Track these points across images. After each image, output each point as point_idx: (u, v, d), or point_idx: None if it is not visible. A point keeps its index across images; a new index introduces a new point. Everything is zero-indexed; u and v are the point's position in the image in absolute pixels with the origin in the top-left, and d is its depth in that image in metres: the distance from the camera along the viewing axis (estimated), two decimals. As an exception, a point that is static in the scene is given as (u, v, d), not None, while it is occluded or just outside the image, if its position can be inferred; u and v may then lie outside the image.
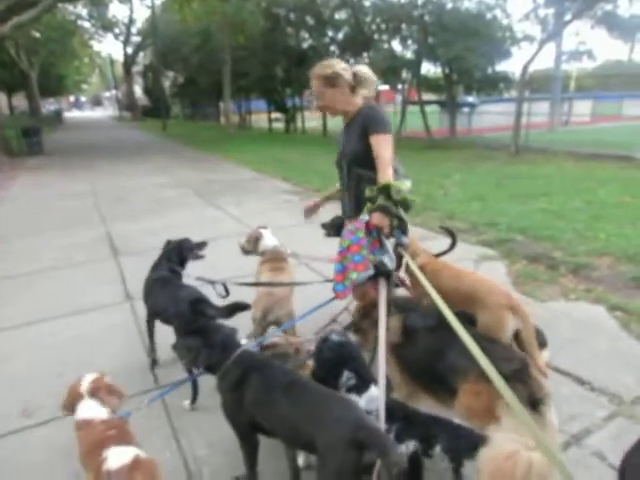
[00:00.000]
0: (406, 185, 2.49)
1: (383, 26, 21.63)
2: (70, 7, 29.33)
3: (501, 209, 6.64)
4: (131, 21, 39.94)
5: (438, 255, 3.17)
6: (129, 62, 41.79)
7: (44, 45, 32.54)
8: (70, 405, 2.10)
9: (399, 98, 20.94)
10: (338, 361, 2.03)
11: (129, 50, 41.64)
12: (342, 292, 2.54)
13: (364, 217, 2.47)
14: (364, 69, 2.81)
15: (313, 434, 1.70)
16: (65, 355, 3.32)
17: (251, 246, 3.44)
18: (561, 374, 2.90)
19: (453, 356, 2.00)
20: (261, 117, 29.44)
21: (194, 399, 2.68)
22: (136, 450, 1.82)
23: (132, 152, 16.01)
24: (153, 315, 3.02)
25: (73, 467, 2.29)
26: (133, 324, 3.76)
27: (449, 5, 17.32)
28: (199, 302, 2.69)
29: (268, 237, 3.44)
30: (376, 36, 21.95)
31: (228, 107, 26.17)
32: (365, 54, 22.90)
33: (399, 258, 2.52)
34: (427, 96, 18.82)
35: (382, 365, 1.92)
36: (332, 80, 2.72)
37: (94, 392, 2.08)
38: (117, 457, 1.75)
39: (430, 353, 2.09)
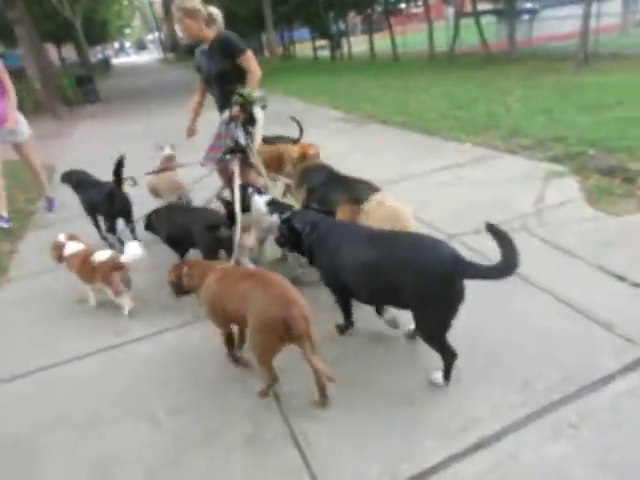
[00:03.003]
0: (255, 93, 3.53)
1: None
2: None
3: (570, 122, 6.16)
4: (165, -44, 38.65)
5: (294, 142, 4.47)
6: (167, 1, 40.87)
7: (84, -10, 32.31)
8: (59, 254, 3.27)
9: (449, 12, 19.39)
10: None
11: (166, -13, 40.63)
12: (203, 162, 3.76)
13: (226, 114, 3.60)
14: (215, 10, 3.65)
15: (193, 234, 3.17)
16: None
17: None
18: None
19: (332, 195, 3.13)
20: (305, 46, 28.42)
21: None
22: (111, 252, 3.13)
23: (181, 92, 15.98)
24: (91, 210, 4.12)
25: (161, 378, 2.52)
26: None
27: None
28: (113, 189, 3.84)
29: (167, 149, 4.59)
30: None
31: (271, 37, 25.32)
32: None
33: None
34: (482, 6, 17.27)
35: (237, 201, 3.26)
36: (192, 12, 3.52)
37: (71, 238, 3.35)
38: (101, 255, 3.09)
39: (322, 197, 3.18)
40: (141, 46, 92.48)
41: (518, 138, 5.88)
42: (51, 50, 35.96)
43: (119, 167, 3.86)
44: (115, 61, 59.19)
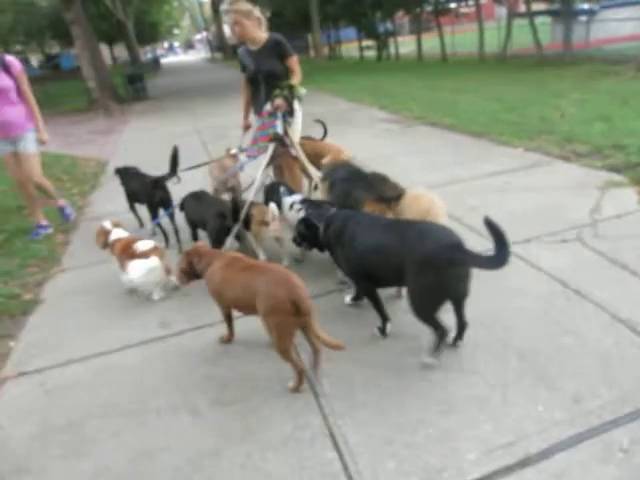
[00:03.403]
0: (301, 90, 3.97)
1: None
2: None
3: (630, 129, 5.85)
4: (216, -42, 39.57)
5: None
6: (216, 2, 41.72)
7: (136, -8, 33.46)
8: (103, 240, 3.50)
9: (501, 12, 18.90)
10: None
11: (216, -12, 41.54)
12: (253, 152, 4.15)
13: (268, 107, 3.99)
14: (259, 12, 3.95)
15: (206, 220, 3.58)
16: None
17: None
18: None
19: (356, 192, 3.18)
20: (351, 46, 28.37)
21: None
22: (154, 243, 3.34)
23: (226, 92, 16.28)
24: (132, 198, 4.54)
25: (203, 371, 2.56)
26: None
27: None
28: (157, 181, 4.14)
29: (233, 150, 4.73)
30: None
31: (317, 37, 25.36)
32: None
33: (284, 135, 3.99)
34: (536, 6, 16.73)
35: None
36: (250, 13, 3.85)
37: (116, 225, 3.57)
38: (143, 245, 3.26)
39: (343, 194, 3.26)
40: (189, 46, 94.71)
41: (574, 145, 5.65)
42: (104, 49, 37.42)
43: (175, 157, 4.18)
44: (164, 60, 60.79)
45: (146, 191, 4.18)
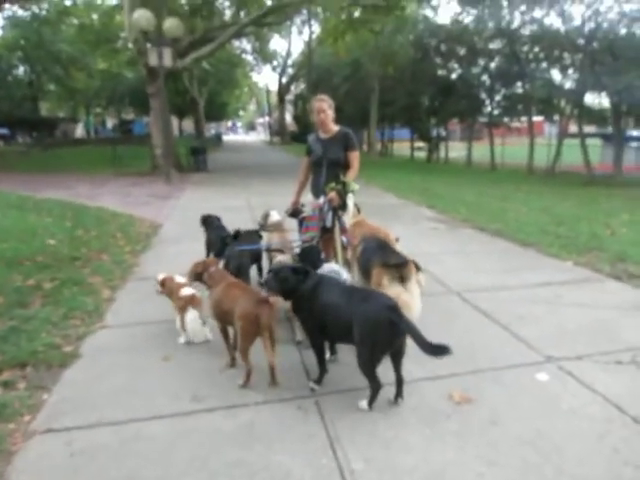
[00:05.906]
0: (355, 186, 4.29)
1: (541, 55, 20.60)
2: (237, 42, 32.79)
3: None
4: (288, 54, 43.51)
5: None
6: (283, 91, 45.21)
7: (214, 76, 36.74)
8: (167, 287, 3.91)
9: (548, 129, 19.57)
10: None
11: (284, 80, 45.15)
12: (304, 237, 4.38)
13: (322, 198, 4.29)
14: None
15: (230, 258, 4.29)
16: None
17: (263, 220, 5.12)
18: None
19: (373, 259, 3.64)
20: (403, 145, 29.64)
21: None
22: (194, 290, 3.78)
23: (281, 173, 17.08)
24: (207, 246, 5.18)
25: (232, 455, 2.44)
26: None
27: (622, 31, 15.92)
28: (226, 237, 4.82)
29: (274, 215, 5.08)
30: (532, 65, 20.96)
31: (373, 134, 26.76)
32: (519, 83, 21.95)
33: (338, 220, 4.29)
34: (587, 128, 17.32)
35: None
36: (332, 106, 4.36)
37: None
38: (185, 291, 3.77)
39: (366, 260, 3.76)
40: (251, 127, 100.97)
41: (626, 264, 5.52)
42: (173, 121, 40.53)
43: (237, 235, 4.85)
44: (225, 137, 64.89)
45: (215, 242, 4.93)
